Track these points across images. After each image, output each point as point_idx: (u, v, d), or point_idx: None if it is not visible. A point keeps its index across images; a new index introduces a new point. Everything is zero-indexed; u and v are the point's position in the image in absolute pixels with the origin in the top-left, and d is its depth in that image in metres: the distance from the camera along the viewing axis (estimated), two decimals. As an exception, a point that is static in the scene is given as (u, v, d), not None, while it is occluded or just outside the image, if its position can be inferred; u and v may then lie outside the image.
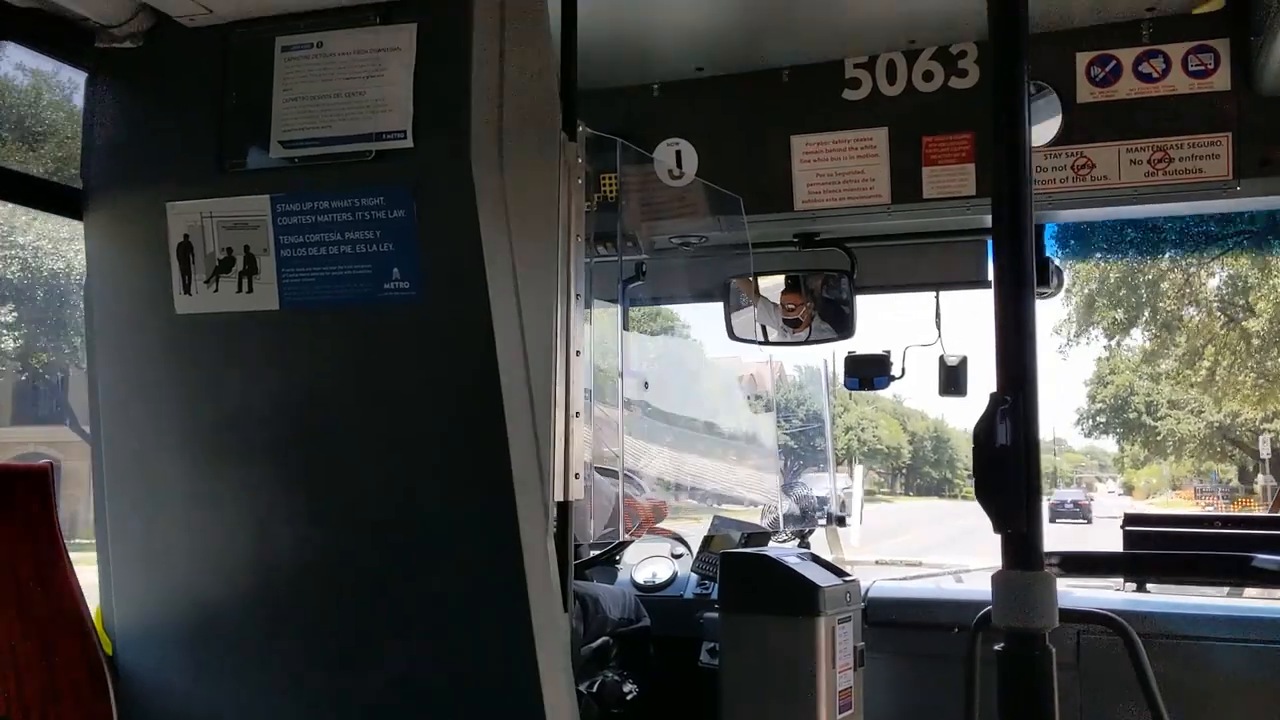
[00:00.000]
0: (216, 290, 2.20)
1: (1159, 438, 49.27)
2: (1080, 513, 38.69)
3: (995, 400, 1.47)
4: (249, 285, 2.17)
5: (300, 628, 2.29)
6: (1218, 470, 48.41)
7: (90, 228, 2.36)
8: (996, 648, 1.48)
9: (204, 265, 2.20)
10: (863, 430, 62.41)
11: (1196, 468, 51.33)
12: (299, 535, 2.26)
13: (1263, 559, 1.81)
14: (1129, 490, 63.83)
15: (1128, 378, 51.87)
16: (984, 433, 1.47)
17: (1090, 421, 57.05)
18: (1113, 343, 33.65)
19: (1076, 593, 3.38)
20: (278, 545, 2.28)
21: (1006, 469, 1.46)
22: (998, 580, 1.50)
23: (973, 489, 1.55)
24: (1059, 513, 38.08)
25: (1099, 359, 55.84)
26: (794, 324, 3.70)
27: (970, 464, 1.56)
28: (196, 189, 2.20)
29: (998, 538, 1.54)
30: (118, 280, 2.36)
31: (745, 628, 2.92)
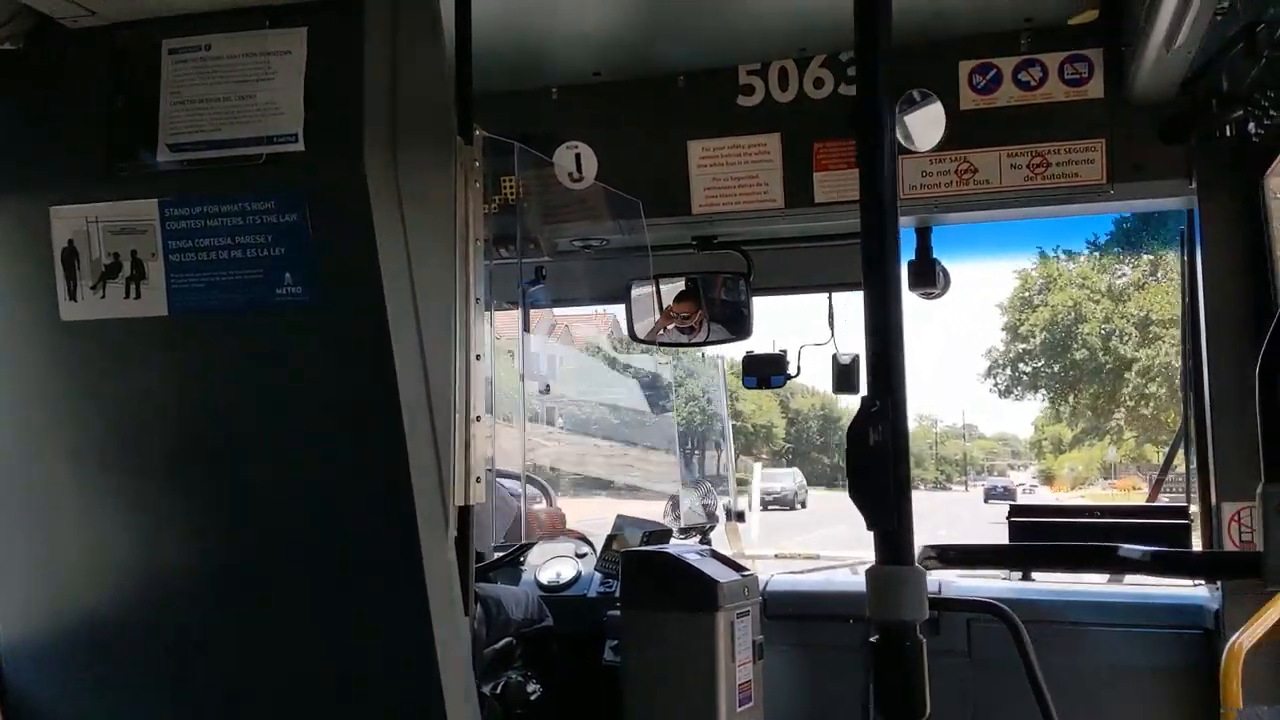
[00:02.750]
0: (103, 297, 2.16)
1: (1126, 390, 33.81)
2: (1008, 495, 41.37)
3: (866, 403, 1.53)
4: (136, 291, 2.14)
5: (195, 638, 2.26)
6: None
7: None
8: (871, 639, 1.54)
9: (90, 271, 2.16)
10: (709, 402, 43.40)
11: (1134, 452, 37.70)
12: (192, 545, 2.23)
13: (1127, 549, 1.92)
14: (1048, 480, 48.08)
15: (1070, 295, 35.93)
16: (857, 435, 1.52)
17: (1007, 372, 38.79)
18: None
19: (965, 582, 3.51)
20: (170, 556, 2.24)
21: (878, 470, 1.52)
22: (871, 575, 1.56)
23: None
24: (992, 495, 40.84)
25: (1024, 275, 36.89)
26: (687, 331, 3.78)
27: None
28: (82, 193, 2.16)
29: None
30: (1, 286, 2.30)
31: (646, 624, 2.96)
